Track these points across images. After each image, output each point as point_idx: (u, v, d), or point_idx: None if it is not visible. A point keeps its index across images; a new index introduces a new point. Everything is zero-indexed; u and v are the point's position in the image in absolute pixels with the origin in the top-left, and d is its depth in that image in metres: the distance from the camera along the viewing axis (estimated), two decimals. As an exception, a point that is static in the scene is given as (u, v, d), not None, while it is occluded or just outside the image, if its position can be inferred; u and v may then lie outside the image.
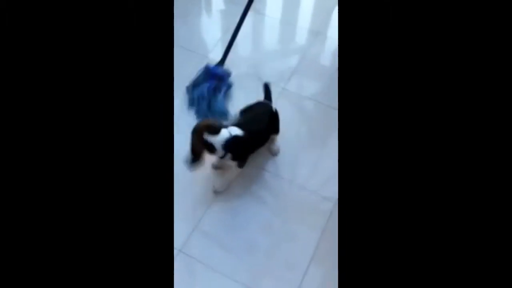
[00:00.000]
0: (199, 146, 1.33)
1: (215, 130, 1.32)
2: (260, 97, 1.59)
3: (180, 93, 1.77)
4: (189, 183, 1.52)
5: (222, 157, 1.38)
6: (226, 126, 1.37)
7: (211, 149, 1.34)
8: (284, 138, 1.63)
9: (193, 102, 1.73)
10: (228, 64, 1.82)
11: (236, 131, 1.36)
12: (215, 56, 1.91)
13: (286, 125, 1.62)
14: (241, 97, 1.73)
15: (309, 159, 1.60)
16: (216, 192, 1.50)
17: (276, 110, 1.53)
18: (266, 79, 1.72)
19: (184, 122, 1.61)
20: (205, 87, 1.70)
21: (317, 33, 2.04)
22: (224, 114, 1.68)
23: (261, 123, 1.45)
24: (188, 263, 1.36)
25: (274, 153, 1.60)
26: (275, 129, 1.54)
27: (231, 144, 1.34)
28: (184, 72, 1.80)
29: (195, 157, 1.33)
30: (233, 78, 1.78)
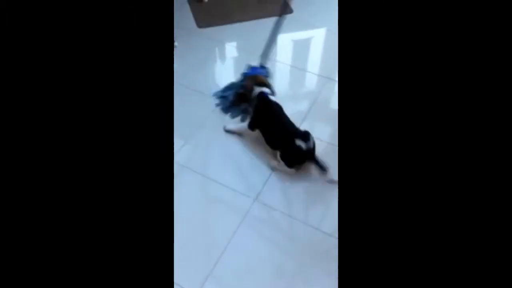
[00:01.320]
0: (249, 88, 1.73)
1: (266, 86, 1.75)
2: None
3: (190, 135, 1.78)
4: (204, 224, 1.49)
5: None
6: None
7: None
8: (297, 179, 1.61)
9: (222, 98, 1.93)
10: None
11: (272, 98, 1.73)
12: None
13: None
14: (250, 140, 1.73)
15: (322, 199, 1.57)
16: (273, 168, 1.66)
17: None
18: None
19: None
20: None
21: (326, 78, 2.06)
22: None
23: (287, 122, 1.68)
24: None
25: (271, 165, 1.67)
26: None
27: (262, 96, 1.70)
28: (200, 112, 1.87)
29: (242, 98, 1.77)
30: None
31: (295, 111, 1.90)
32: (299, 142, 1.57)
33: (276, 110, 1.69)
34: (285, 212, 1.53)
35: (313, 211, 1.53)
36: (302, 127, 1.81)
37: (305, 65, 2.15)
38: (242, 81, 1.88)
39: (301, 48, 2.27)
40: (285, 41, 2.31)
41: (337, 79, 2.05)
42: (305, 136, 1.59)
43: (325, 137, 1.77)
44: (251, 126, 1.72)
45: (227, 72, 2.13)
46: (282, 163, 1.61)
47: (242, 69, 1.96)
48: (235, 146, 1.76)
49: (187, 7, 2.51)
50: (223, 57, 2.25)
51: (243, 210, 1.53)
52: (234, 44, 2.30)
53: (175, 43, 2.21)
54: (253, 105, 1.73)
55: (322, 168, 1.60)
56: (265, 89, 1.73)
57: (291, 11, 2.46)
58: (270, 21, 2.37)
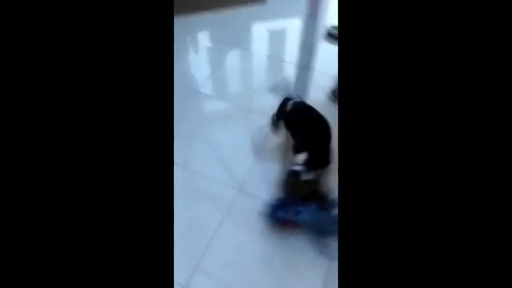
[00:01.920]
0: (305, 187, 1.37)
1: (296, 175, 1.36)
2: (250, 130, 1.56)
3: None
4: (189, 216, 1.44)
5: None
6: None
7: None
8: (279, 165, 1.59)
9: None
10: (219, 97, 1.79)
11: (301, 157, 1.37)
12: (205, 90, 1.89)
13: (281, 154, 1.59)
14: (231, 129, 1.69)
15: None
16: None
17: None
18: (258, 113, 1.70)
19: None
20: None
21: (304, 67, 2.04)
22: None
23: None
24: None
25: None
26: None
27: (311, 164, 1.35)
28: (175, 104, 1.77)
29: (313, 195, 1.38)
30: (224, 110, 1.74)
31: (274, 102, 1.88)
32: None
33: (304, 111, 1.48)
34: (266, 198, 1.50)
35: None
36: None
37: (281, 55, 2.13)
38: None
39: (277, 38, 2.25)
40: (260, 31, 2.27)
41: (315, 67, 2.04)
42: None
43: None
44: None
45: (201, 63, 2.07)
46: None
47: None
48: (216, 137, 1.71)
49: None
50: (196, 47, 2.19)
51: (227, 201, 1.48)
52: (207, 33, 2.24)
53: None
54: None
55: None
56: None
57: (264, 2, 2.43)
58: (244, 10, 2.35)
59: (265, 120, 1.70)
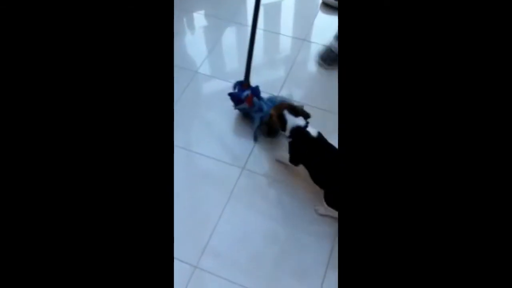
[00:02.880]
0: (275, 119, 1.38)
1: (296, 112, 1.38)
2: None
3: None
4: (195, 198, 1.45)
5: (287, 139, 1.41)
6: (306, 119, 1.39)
7: (283, 125, 1.37)
8: (280, 142, 1.58)
9: None
10: (218, 76, 1.77)
11: (311, 130, 1.36)
12: (204, 71, 1.87)
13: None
14: (231, 108, 1.67)
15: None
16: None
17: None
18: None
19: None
20: None
21: (301, 40, 2.00)
22: None
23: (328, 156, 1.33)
24: (202, 277, 1.29)
25: (318, 212, 1.42)
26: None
27: (297, 132, 1.35)
28: (176, 87, 1.77)
29: (270, 130, 1.47)
30: (224, 90, 1.72)
31: (273, 77, 1.85)
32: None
33: (317, 145, 1.37)
34: (273, 177, 1.51)
35: (300, 171, 1.52)
36: (282, 93, 1.76)
37: (278, 29, 2.08)
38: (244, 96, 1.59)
39: (273, 12, 2.19)
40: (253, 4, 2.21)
41: (312, 40, 1.99)
42: None
43: (308, 101, 1.73)
44: (293, 162, 1.44)
45: (198, 43, 2.03)
46: (329, 208, 1.34)
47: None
48: (216, 120, 1.70)
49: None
50: (192, 27, 2.15)
51: (231, 180, 1.49)
52: (202, 12, 2.19)
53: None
54: (289, 142, 1.42)
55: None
56: (300, 122, 1.36)
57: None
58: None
59: (264, 96, 1.69)
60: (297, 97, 1.76)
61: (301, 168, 1.43)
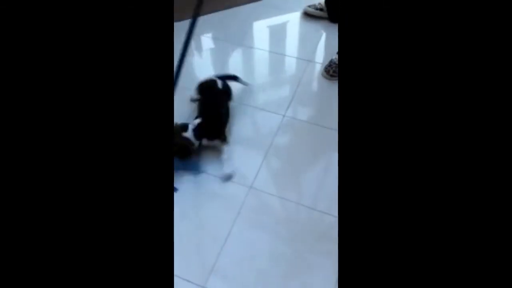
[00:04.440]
0: (181, 143, 1.51)
1: (184, 129, 1.54)
2: (257, 126, 1.53)
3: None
4: (202, 217, 1.42)
5: (201, 143, 1.58)
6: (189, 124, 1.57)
7: (189, 142, 1.52)
8: (288, 161, 1.55)
9: None
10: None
11: (197, 120, 1.57)
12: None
13: (289, 149, 1.58)
14: (239, 127, 1.66)
15: (316, 179, 1.51)
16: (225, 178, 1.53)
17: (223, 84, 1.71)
18: (263, 108, 1.67)
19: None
20: None
21: (306, 61, 1.99)
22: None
23: (215, 103, 1.66)
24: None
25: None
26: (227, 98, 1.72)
27: (199, 132, 1.54)
28: (180, 106, 1.77)
29: (184, 153, 1.53)
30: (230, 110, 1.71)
31: (279, 96, 1.84)
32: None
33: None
34: (279, 196, 1.47)
35: (306, 191, 1.48)
36: (288, 112, 1.75)
37: (283, 50, 2.07)
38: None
39: (277, 33, 2.19)
40: (260, 27, 2.22)
41: (316, 61, 1.98)
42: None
43: (312, 119, 1.71)
44: (223, 140, 1.64)
45: (206, 65, 2.03)
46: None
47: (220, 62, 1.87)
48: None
49: (159, 2, 2.39)
50: (200, 49, 2.15)
51: (239, 200, 1.46)
52: (209, 35, 2.20)
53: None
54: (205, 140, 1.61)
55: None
56: (190, 126, 1.57)
57: (262, -2, 2.37)
58: (243, 8, 2.30)
59: (271, 115, 1.67)
60: (303, 116, 1.74)
61: (307, 185, 1.39)
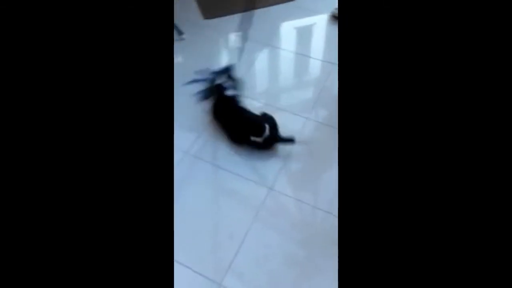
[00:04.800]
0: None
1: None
2: (279, 127, 1.55)
3: (203, 127, 1.73)
4: (221, 215, 1.46)
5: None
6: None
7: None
8: (308, 164, 1.57)
9: None
10: (250, 96, 1.78)
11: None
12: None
13: (310, 152, 1.60)
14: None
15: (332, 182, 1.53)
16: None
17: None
18: (287, 110, 1.68)
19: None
20: None
21: (332, 64, 1.99)
22: None
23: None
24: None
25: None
26: None
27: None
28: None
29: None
30: (254, 110, 1.73)
31: (303, 99, 1.85)
32: (254, 138, 1.58)
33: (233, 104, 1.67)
34: (297, 198, 1.49)
35: (324, 194, 1.50)
36: (311, 115, 1.76)
37: (309, 52, 2.08)
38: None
39: (304, 35, 2.19)
40: (287, 28, 2.23)
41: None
42: (259, 129, 1.58)
43: (335, 123, 1.72)
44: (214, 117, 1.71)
45: (232, 63, 2.06)
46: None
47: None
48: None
49: (192, -1, 2.43)
50: (228, 47, 2.18)
51: (258, 200, 1.49)
52: (239, 34, 2.22)
53: (183, 36, 2.14)
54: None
55: (289, 140, 1.59)
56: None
57: (293, -1, 2.37)
58: (273, 9, 2.31)
59: (294, 117, 1.68)
60: (325, 119, 1.75)
61: (325, 188, 1.40)
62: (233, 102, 1.67)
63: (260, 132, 1.56)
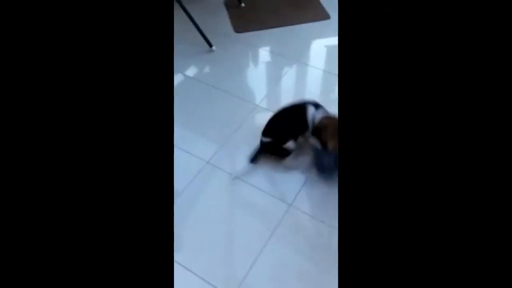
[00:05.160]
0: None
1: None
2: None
3: (226, 138, 1.71)
4: (239, 227, 1.43)
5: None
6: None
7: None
8: (328, 182, 1.53)
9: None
10: (272, 110, 1.77)
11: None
12: (263, 104, 1.88)
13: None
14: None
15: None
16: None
17: None
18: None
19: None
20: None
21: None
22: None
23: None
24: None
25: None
26: None
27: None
28: (236, 118, 1.79)
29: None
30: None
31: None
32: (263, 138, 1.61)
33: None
34: (318, 218, 1.45)
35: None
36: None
37: (337, 70, 2.05)
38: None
39: (334, 54, 2.18)
40: (318, 46, 2.22)
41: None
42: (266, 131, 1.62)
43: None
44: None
45: (261, 77, 2.06)
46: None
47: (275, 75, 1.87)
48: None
49: (225, 12, 2.45)
50: (256, 61, 2.18)
51: (277, 216, 1.45)
52: (267, 48, 2.23)
53: (213, 48, 2.16)
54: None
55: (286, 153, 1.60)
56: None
57: (328, 17, 2.37)
58: (304, 27, 2.31)
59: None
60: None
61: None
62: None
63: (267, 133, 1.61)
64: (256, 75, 2.08)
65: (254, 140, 1.69)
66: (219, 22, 2.37)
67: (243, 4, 2.47)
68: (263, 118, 1.84)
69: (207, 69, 2.09)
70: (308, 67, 2.08)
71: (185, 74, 2.06)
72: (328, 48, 2.21)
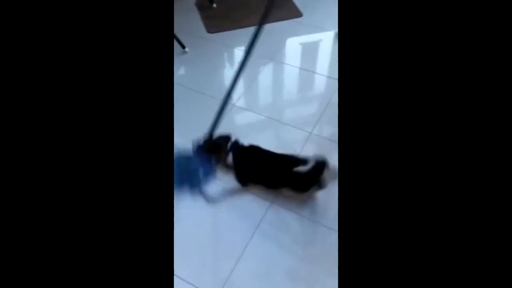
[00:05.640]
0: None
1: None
2: (281, 140, 1.48)
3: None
4: (220, 228, 1.39)
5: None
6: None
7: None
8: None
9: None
10: (252, 109, 1.74)
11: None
12: (241, 104, 1.85)
13: None
14: (263, 139, 1.63)
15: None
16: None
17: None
18: (289, 124, 1.64)
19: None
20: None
21: (335, 80, 1.96)
22: None
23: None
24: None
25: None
26: None
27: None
28: (211, 117, 1.73)
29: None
30: (255, 124, 1.68)
31: (306, 114, 1.81)
32: (298, 168, 1.42)
33: (259, 152, 1.51)
34: (300, 214, 1.43)
35: (330, 212, 1.43)
36: (315, 130, 1.72)
37: (314, 67, 2.05)
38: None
39: (310, 51, 2.17)
40: (293, 44, 2.21)
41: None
42: (303, 161, 1.43)
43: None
44: (243, 181, 1.51)
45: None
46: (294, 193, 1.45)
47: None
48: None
49: (196, 13, 2.42)
50: (231, 61, 2.16)
51: (259, 213, 1.43)
52: (242, 48, 2.20)
53: (186, 49, 2.12)
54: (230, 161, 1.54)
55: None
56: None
57: (300, 15, 2.37)
58: (277, 26, 2.30)
59: (296, 131, 1.64)
60: (329, 135, 1.70)
61: (330, 205, 1.34)
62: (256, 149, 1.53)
63: (304, 161, 1.42)
64: (231, 75, 2.05)
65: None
66: (191, 23, 2.33)
67: (214, 5, 2.45)
68: (241, 117, 1.81)
69: (181, 71, 2.05)
70: (284, 65, 2.07)
71: (159, 76, 2.01)
72: (303, 45, 2.20)
